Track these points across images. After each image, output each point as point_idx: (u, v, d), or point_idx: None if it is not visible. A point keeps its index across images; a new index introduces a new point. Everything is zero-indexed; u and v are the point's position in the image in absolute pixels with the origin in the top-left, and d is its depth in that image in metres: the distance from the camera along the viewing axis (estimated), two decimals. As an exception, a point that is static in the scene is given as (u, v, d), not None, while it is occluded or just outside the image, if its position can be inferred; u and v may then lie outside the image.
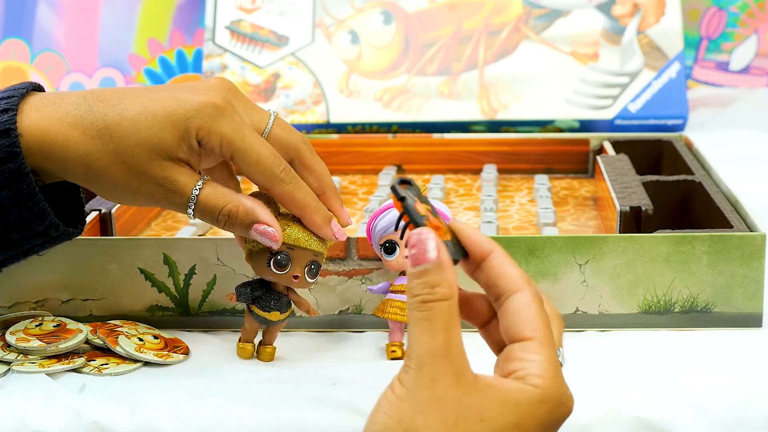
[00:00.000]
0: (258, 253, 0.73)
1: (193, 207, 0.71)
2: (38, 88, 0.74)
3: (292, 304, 0.76)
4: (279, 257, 0.72)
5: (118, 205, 0.92)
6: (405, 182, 0.59)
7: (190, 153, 0.71)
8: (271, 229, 0.71)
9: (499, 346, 0.60)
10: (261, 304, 0.75)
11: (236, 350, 0.77)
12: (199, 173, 0.73)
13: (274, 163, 0.71)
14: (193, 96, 0.71)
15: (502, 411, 0.54)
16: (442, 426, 0.53)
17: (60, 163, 0.70)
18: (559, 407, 0.56)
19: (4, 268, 0.79)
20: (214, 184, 0.72)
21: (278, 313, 0.75)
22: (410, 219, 0.57)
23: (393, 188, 0.58)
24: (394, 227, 0.75)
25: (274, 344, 0.77)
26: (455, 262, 0.57)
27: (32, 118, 0.70)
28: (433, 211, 0.59)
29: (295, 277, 0.73)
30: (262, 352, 0.77)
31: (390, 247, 0.76)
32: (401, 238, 0.60)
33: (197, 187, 0.71)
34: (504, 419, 0.54)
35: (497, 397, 0.55)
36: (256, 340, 0.77)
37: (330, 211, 0.74)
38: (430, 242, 0.55)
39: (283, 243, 0.72)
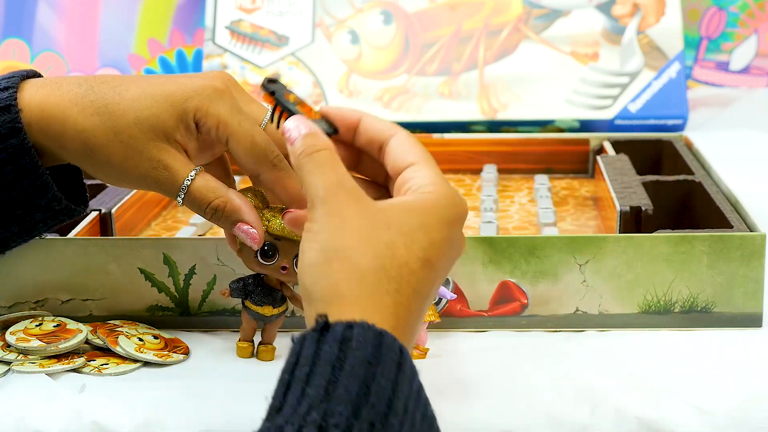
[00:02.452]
0: (247, 246, 0.73)
1: (183, 195, 0.72)
2: (38, 75, 0.75)
3: (287, 301, 0.76)
4: (265, 248, 0.73)
5: (118, 205, 0.92)
6: (272, 81, 0.66)
7: (187, 135, 0.72)
8: (253, 231, 0.72)
9: None
10: (253, 298, 0.75)
11: (236, 350, 0.77)
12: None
13: (268, 149, 0.72)
14: (193, 80, 0.73)
15: (406, 216, 0.60)
16: (358, 240, 0.58)
17: (58, 139, 0.71)
18: (455, 207, 0.62)
19: (6, 267, 0.79)
20: (207, 175, 0.73)
21: (270, 307, 0.75)
22: (283, 108, 0.65)
23: (263, 85, 0.65)
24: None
25: (273, 344, 0.77)
26: (328, 136, 0.64)
27: (32, 95, 0.72)
28: (301, 99, 0.66)
29: (283, 268, 0.73)
30: (262, 351, 0.77)
31: (390, 247, 0.76)
32: (277, 127, 0.64)
33: (190, 176, 0.72)
34: (409, 222, 0.59)
35: (398, 208, 0.61)
36: (256, 340, 0.78)
37: None
38: (303, 122, 0.62)
39: (270, 234, 0.73)
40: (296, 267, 0.73)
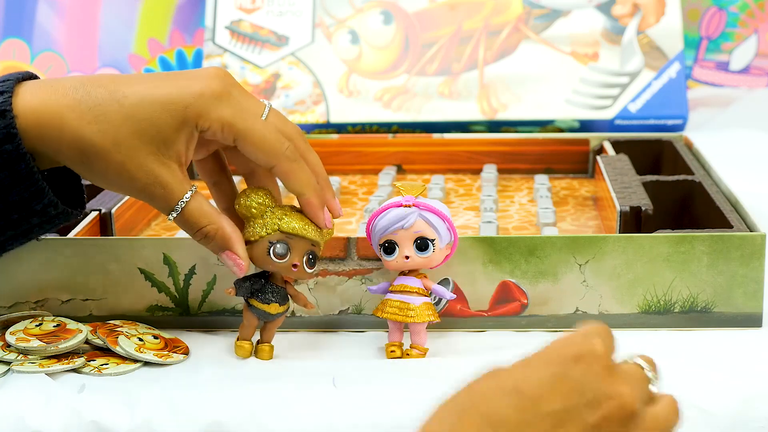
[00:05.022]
0: (257, 243, 0.74)
1: (175, 215, 0.73)
2: (34, 77, 0.74)
3: (290, 299, 0.76)
4: (278, 246, 0.73)
5: (118, 205, 0.92)
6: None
7: (187, 143, 0.72)
8: (241, 261, 0.73)
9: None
10: (260, 296, 0.75)
11: (234, 349, 0.77)
12: (195, 188, 0.74)
13: (279, 141, 0.73)
14: (191, 83, 0.72)
15: (513, 365, 0.55)
16: None
17: (55, 144, 0.71)
18: (568, 346, 0.55)
19: (6, 268, 0.79)
20: (201, 198, 0.73)
21: (277, 305, 0.75)
22: None
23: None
24: (393, 227, 0.75)
25: (272, 342, 0.77)
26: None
27: (28, 101, 0.71)
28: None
29: (294, 266, 0.74)
30: (260, 350, 0.77)
31: (390, 247, 0.76)
32: None
33: (185, 198, 0.72)
34: (510, 367, 0.55)
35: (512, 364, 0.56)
36: (255, 339, 0.78)
37: (307, 207, 0.76)
38: None
39: (282, 232, 0.73)
40: (306, 265, 0.74)
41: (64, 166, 0.74)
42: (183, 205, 0.72)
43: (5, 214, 0.72)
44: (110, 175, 0.71)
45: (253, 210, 0.74)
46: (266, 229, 0.74)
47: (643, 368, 0.58)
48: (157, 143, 0.71)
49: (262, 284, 0.75)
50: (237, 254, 0.73)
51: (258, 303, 0.75)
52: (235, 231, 0.74)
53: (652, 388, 0.57)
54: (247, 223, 0.75)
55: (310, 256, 0.74)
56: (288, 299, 0.76)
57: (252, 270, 0.76)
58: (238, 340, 0.77)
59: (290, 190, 0.75)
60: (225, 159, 0.78)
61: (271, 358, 0.77)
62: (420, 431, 0.53)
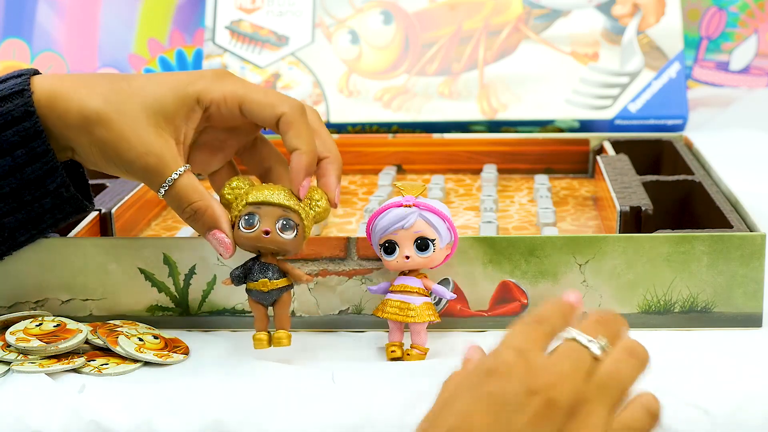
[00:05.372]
0: (234, 224, 0.74)
1: (166, 188, 0.73)
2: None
3: (287, 277, 0.75)
4: (245, 218, 0.73)
5: (118, 205, 0.92)
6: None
7: (187, 119, 0.74)
8: (227, 240, 0.74)
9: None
10: (250, 278, 0.75)
11: (253, 344, 0.75)
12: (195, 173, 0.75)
13: (284, 97, 0.74)
14: (195, 71, 0.76)
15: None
16: None
17: (62, 116, 0.74)
18: (477, 366, 0.56)
19: (6, 268, 0.79)
20: (193, 176, 0.74)
21: (266, 280, 0.74)
22: None
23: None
24: (394, 226, 0.75)
25: (288, 330, 0.75)
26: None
27: (42, 82, 0.75)
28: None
29: (266, 232, 0.73)
30: (277, 339, 0.75)
31: (390, 247, 0.76)
32: None
33: (178, 171, 0.73)
34: (432, 410, 0.56)
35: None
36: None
37: (323, 178, 0.76)
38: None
39: (249, 204, 0.73)
40: (281, 231, 0.73)
41: (72, 168, 0.76)
42: (175, 178, 0.73)
43: (19, 193, 0.74)
44: (109, 143, 0.73)
45: (228, 197, 0.75)
46: (238, 207, 0.74)
47: (581, 342, 0.57)
48: (157, 117, 0.73)
49: (251, 265, 0.75)
50: (225, 233, 0.74)
51: (251, 285, 0.75)
52: (224, 212, 0.74)
53: (599, 353, 0.57)
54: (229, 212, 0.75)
55: (284, 222, 0.73)
56: (281, 274, 0.75)
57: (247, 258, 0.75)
58: (255, 334, 0.75)
59: (287, 146, 0.74)
60: (238, 169, 0.79)
61: (289, 344, 0.74)
62: None
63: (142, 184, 0.98)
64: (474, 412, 0.54)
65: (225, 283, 0.76)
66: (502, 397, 0.54)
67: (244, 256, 0.76)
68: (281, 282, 0.75)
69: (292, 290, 0.76)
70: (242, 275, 0.75)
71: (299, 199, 0.74)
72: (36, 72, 0.76)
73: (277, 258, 0.75)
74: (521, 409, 0.53)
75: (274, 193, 0.74)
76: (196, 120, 0.75)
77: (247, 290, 0.75)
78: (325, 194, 0.76)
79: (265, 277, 0.74)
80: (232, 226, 0.74)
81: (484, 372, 0.55)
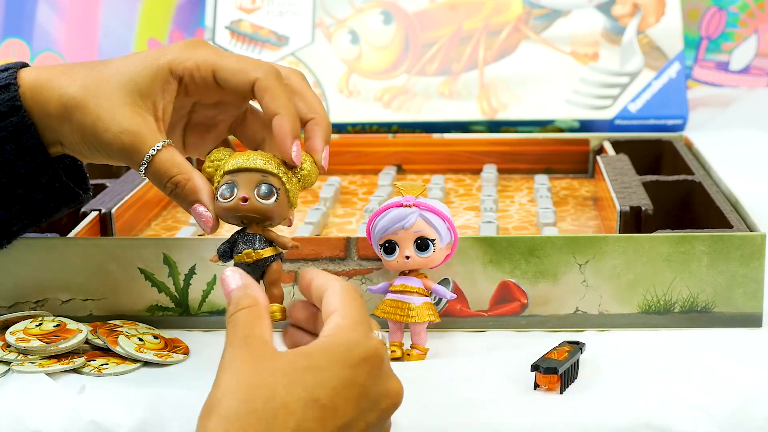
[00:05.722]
0: (216, 197, 0.71)
1: (146, 165, 0.72)
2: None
3: (273, 246, 0.72)
4: (224, 186, 0.71)
5: (118, 205, 0.92)
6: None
7: (163, 92, 0.73)
8: (208, 214, 0.72)
9: None
10: (235, 250, 0.72)
11: None
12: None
13: (258, 62, 0.73)
14: (169, 44, 0.76)
15: (294, 360, 0.59)
16: (236, 388, 0.58)
17: (44, 105, 0.73)
18: (357, 347, 0.60)
19: (6, 268, 0.79)
20: (174, 151, 0.73)
21: (251, 251, 0.71)
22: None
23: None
24: (394, 226, 0.75)
25: (281, 303, 0.72)
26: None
27: (27, 75, 0.74)
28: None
29: (244, 199, 0.70)
30: (270, 313, 0.69)
31: (390, 247, 0.76)
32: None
33: (156, 146, 0.72)
34: (295, 365, 0.59)
35: (291, 354, 0.60)
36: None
37: (309, 140, 0.74)
38: (239, 274, 0.65)
39: (226, 173, 0.71)
40: (260, 197, 0.70)
41: (68, 161, 0.76)
42: (154, 153, 0.72)
43: (11, 188, 0.74)
44: (87, 127, 0.72)
45: (208, 170, 0.72)
46: (216, 179, 0.72)
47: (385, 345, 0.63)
48: (133, 95, 0.73)
49: (236, 238, 0.72)
50: (206, 206, 0.72)
51: (236, 258, 0.72)
52: (206, 185, 0.72)
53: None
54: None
55: (262, 187, 0.70)
56: (268, 243, 0.72)
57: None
58: None
59: (266, 112, 0.72)
60: (234, 149, 0.78)
61: (284, 318, 0.71)
62: None
63: (142, 184, 0.98)
64: (343, 397, 0.59)
65: (213, 261, 0.73)
66: (366, 390, 0.60)
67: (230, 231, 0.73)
68: (267, 251, 0.71)
69: (281, 260, 0.72)
70: (228, 249, 0.72)
71: (293, 167, 0.72)
72: (24, 65, 0.76)
73: (263, 227, 0.72)
74: (375, 406, 0.61)
75: (250, 158, 0.70)
76: (172, 92, 0.74)
77: (235, 265, 0.72)
78: (311, 157, 0.73)
79: (250, 248, 0.71)
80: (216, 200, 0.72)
81: (358, 358, 0.60)
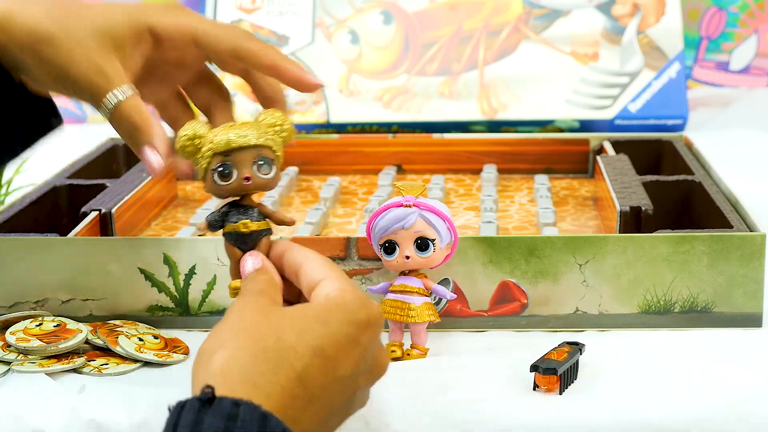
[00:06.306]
0: (206, 177, 0.70)
1: (111, 106, 0.73)
2: None
3: (266, 220, 0.71)
4: (219, 169, 0.69)
5: (118, 205, 0.92)
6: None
7: (137, 45, 0.74)
8: (154, 158, 0.73)
9: None
10: (228, 219, 0.71)
11: (228, 293, 0.70)
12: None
13: (234, 26, 0.75)
14: (147, 4, 0.76)
15: (303, 313, 0.61)
16: (247, 329, 0.60)
17: (11, 33, 0.73)
18: (363, 309, 0.61)
19: (6, 268, 0.79)
20: (140, 100, 0.74)
21: (248, 221, 0.70)
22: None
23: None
24: (394, 226, 0.75)
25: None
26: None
27: (1, 3, 0.74)
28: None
29: (246, 179, 0.69)
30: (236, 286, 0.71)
31: (390, 247, 0.76)
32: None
33: (124, 92, 0.73)
34: (305, 317, 0.60)
35: (299, 309, 0.61)
36: None
37: (284, 75, 0.77)
38: (258, 258, 0.68)
39: (218, 154, 0.69)
40: (260, 173, 0.69)
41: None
42: (122, 99, 0.73)
43: None
44: (56, 62, 0.73)
45: (188, 149, 0.70)
46: (204, 159, 0.70)
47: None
48: (105, 39, 0.73)
49: (227, 209, 0.71)
50: (157, 150, 0.73)
51: (229, 227, 0.70)
52: (162, 132, 0.74)
53: None
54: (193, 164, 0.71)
55: (261, 162, 0.69)
56: (262, 217, 0.71)
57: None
58: (230, 283, 0.71)
59: (264, 67, 0.75)
60: (187, 99, 0.80)
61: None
62: (225, 369, 0.57)
63: (142, 184, 0.98)
64: (345, 352, 0.60)
65: (201, 229, 0.73)
66: (365, 352, 0.61)
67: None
68: (262, 224, 0.70)
69: (270, 236, 0.71)
70: (219, 219, 0.71)
71: (314, 89, 0.75)
72: None
73: (259, 204, 0.71)
74: (368, 372, 0.62)
75: (240, 135, 0.69)
76: (145, 50, 0.75)
77: (225, 233, 0.71)
78: (279, 111, 0.73)
79: (247, 218, 0.70)
80: (203, 179, 0.70)
81: (364, 321, 0.62)
